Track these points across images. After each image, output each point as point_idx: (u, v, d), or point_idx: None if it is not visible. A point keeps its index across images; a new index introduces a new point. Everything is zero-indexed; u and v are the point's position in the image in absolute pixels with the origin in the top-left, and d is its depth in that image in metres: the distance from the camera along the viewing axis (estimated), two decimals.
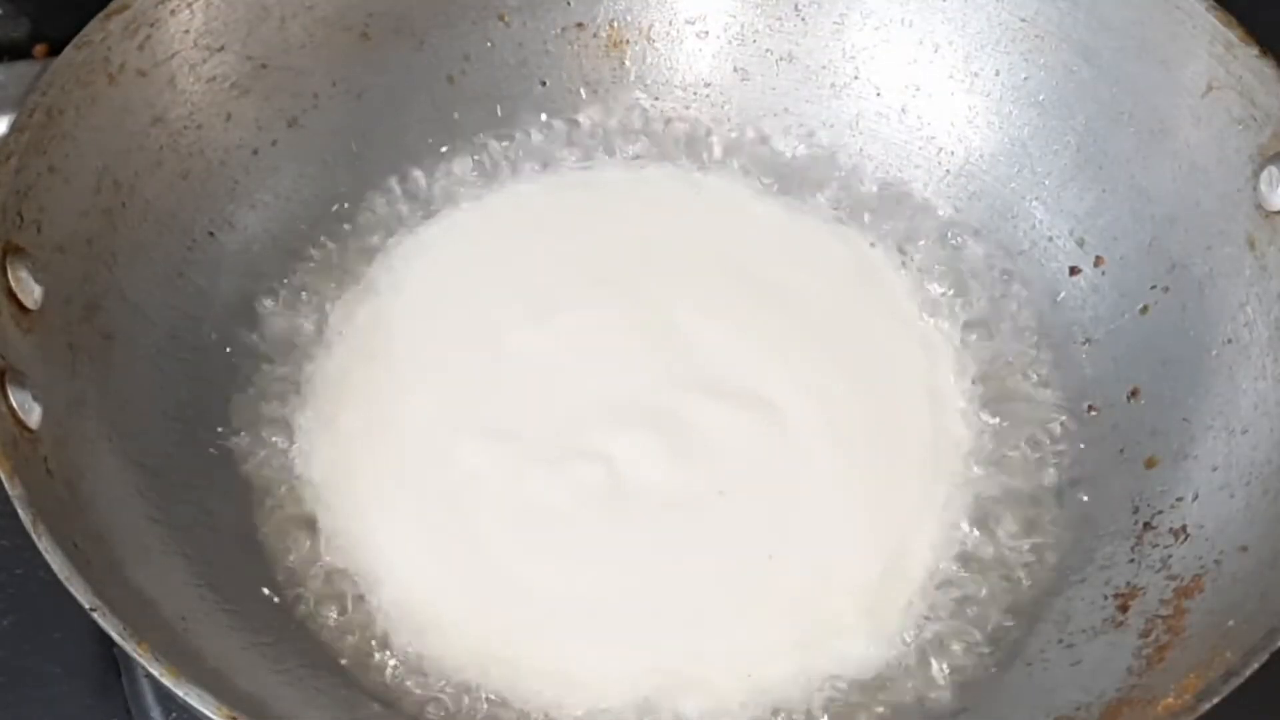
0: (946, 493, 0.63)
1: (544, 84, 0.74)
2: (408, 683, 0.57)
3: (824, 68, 0.74)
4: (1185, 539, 0.58)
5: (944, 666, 0.58)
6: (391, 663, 0.58)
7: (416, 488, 0.62)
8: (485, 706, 0.57)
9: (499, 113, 0.73)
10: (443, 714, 0.57)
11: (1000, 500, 0.63)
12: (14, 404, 0.52)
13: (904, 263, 0.70)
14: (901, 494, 0.63)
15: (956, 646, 0.59)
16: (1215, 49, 0.62)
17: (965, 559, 0.61)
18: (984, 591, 0.60)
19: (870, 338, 0.68)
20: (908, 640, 0.59)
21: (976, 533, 0.62)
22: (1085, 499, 0.62)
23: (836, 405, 0.65)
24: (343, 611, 0.59)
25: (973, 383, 0.66)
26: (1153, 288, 0.65)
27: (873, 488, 0.63)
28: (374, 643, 0.58)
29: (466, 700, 0.57)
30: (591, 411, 0.64)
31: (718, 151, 0.74)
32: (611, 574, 0.60)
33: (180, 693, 0.46)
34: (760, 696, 0.57)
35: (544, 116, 0.73)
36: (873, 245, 0.71)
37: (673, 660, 0.58)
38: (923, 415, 0.65)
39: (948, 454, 0.64)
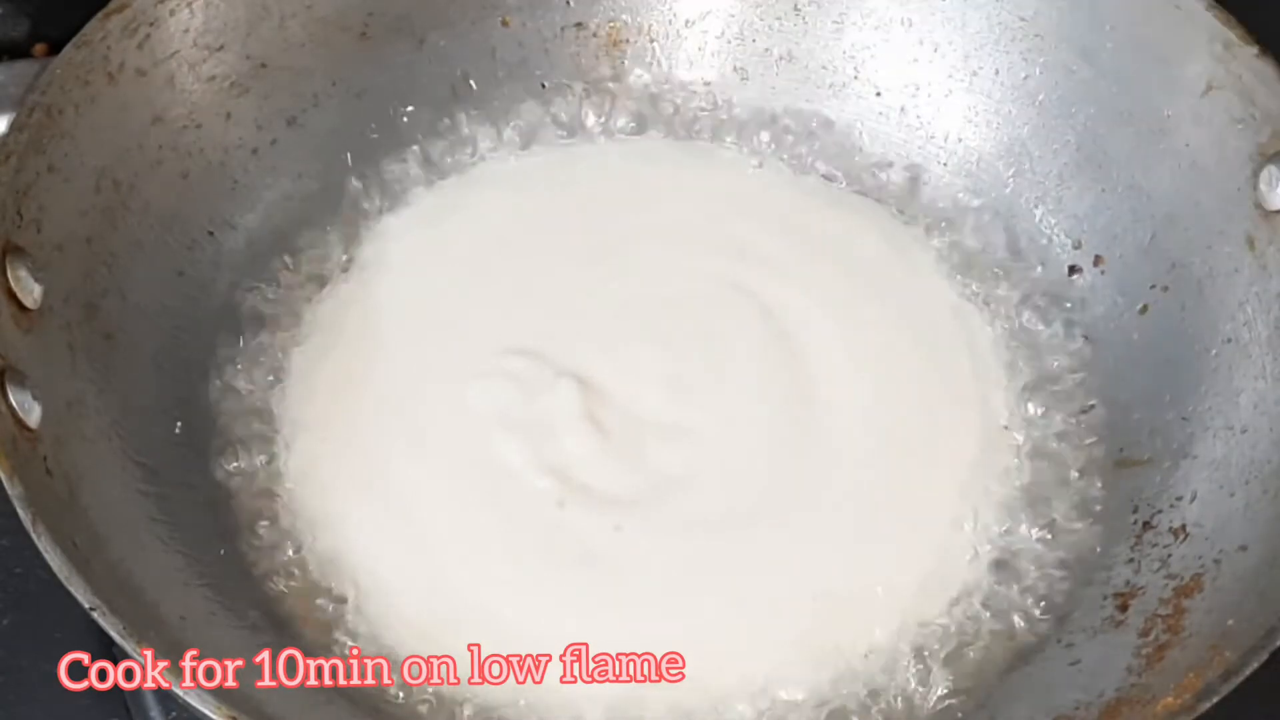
0: (981, 499, 0.62)
1: (544, 85, 0.74)
2: (407, 689, 0.57)
3: (824, 68, 0.74)
4: (1185, 538, 0.58)
5: (948, 672, 0.58)
6: (386, 668, 0.57)
7: (408, 491, 0.61)
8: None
9: (499, 112, 0.73)
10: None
11: (1003, 503, 0.62)
12: (14, 404, 0.52)
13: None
14: (942, 501, 0.62)
15: (963, 652, 0.58)
16: (1215, 48, 0.62)
17: (990, 566, 0.61)
18: (996, 598, 0.60)
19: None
20: (916, 647, 0.58)
21: (994, 539, 0.61)
22: (1085, 498, 0.62)
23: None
24: (336, 613, 0.58)
25: None
26: (1152, 287, 0.65)
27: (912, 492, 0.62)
28: (368, 648, 0.58)
29: (456, 706, 0.57)
30: (597, 407, 0.63)
31: (717, 144, 0.74)
32: (610, 580, 0.59)
33: (180, 692, 0.46)
34: (762, 702, 0.57)
35: (544, 117, 0.73)
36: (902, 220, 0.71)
37: (675, 669, 0.57)
38: (971, 415, 0.64)
39: (991, 455, 0.63)
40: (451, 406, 0.63)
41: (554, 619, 0.58)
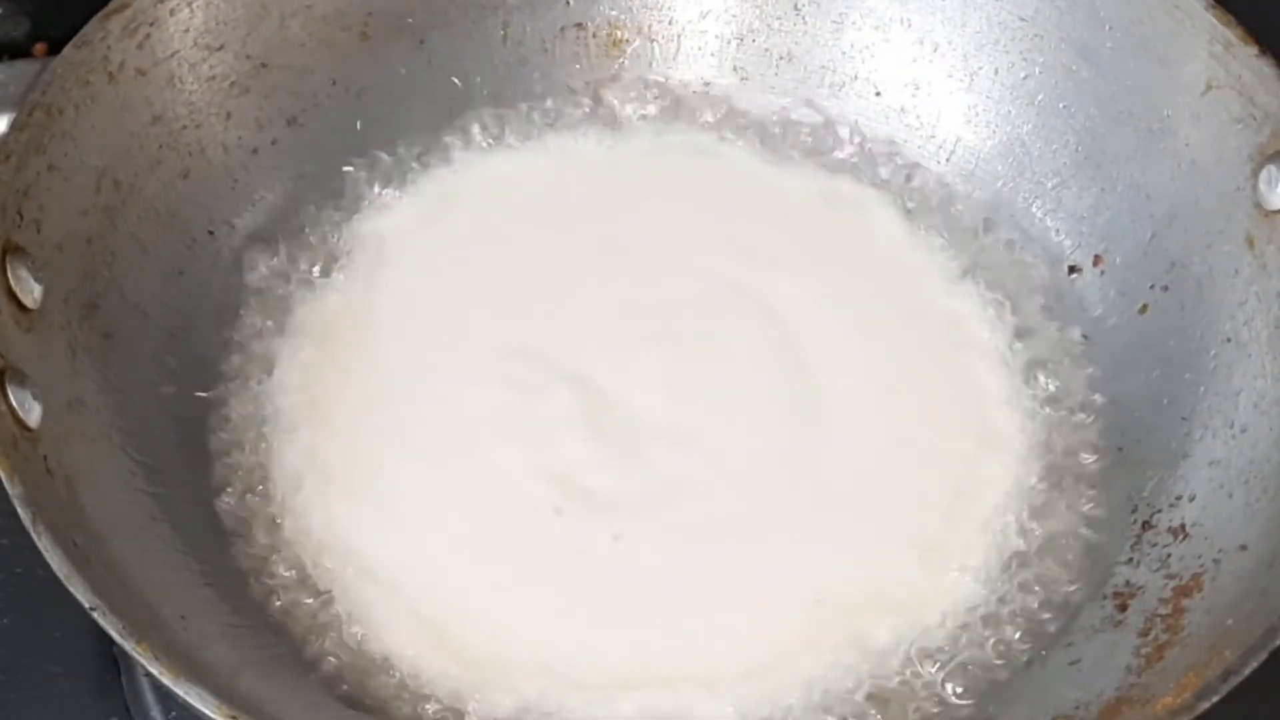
0: (980, 499, 0.62)
1: (544, 85, 0.74)
2: (405, 692, 0.57)
3: (823, 67, 0.74)
4: (1184, 538, 0.58)
5: (948, 673, 0.58)
6: (385, 666, 0.57)
7: (405, 493, 0.61)
8: None
9: (499, 112, 0.73)
10: None
11: (1002, 504, 0.62)
12: (14, 403, 0.52)
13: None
14: (942, 502, 0.62)
15: (964, 653, 0.58)
16: (1214, 48, 0.62)
17: (990, 566, 0.60)
18: (995, 598, 0.60)
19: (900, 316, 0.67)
20: (916, 648, 0.58)
21: (993, 539, 0.61)
22: (1085, 499, 0.62)
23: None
24: (333, 615, 0.58)
25: None
26: (1152, 287, 0.65)
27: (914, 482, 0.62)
28: (366, 650, 0.58)
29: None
30: (597, 410, 0.63)
31: (717, 144, 0.74)
32: (609, 588, 0.59)
33: (180, 692, 0.46)
34: (762, 707, 0.57)
35: (544, 117, 0.73)
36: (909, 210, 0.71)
37: (671, 664, 0.57)
38: (970, 412, 0.64)
39: (990, 455, 0.63)
40: (449, 409, 0.63)
41: (552, 626, 0.58)
